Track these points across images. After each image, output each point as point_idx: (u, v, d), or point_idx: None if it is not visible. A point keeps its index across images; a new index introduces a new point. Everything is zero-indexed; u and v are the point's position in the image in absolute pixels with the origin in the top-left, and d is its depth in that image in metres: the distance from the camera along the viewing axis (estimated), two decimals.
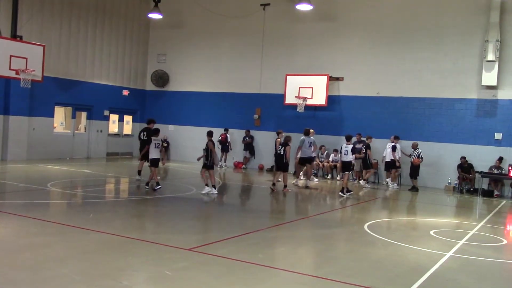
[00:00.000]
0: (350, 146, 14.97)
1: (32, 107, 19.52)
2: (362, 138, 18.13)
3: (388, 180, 17.89)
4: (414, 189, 17.02)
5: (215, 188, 13.32)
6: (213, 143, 13.36)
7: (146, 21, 24.40)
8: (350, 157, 14.96)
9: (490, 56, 17.11)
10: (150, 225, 9.50)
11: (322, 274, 6.67)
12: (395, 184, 17.82)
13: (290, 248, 8.25)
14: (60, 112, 21.76)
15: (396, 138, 17.69)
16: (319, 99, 19.80)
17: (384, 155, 18.01)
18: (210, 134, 13.44)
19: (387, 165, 17.93)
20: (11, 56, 16.19)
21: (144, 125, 16.88)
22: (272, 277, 6.45)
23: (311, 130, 17.46)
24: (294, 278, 6.46)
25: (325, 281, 6.35)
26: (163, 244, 7.62)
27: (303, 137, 16.54)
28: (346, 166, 15.16)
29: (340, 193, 14.82)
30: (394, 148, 17.56)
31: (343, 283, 6.22)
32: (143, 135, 15.06)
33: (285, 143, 15.06)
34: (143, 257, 6.93)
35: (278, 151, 15.24)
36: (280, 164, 15.14)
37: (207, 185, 13.28)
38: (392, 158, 17.62)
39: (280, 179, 15.63)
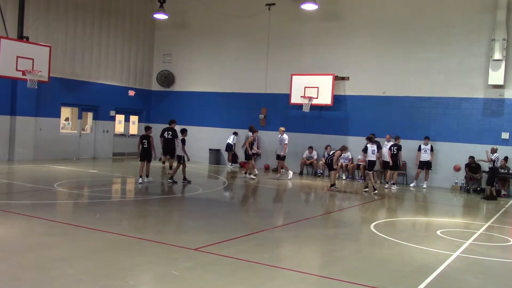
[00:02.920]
0: (375, 146, 16.03)
1: (38, 107, 19.61)
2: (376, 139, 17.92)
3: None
4: (491, 197, 15.82)
5: (140, 177, 14.36)
6: (149, 138, 14.45)
7: (151, 21, 24.45)
8: (375, 157, 16.02)
9: (497, 55, 17.00)
10: (156, 225, 9.50)
11: (328, 274, 6.66)
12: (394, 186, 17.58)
13: (296, 248, 8.24)
14: (66, 113, 21.85)
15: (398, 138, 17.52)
16: (325, 98, 19.77)
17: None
18: (148, 128, 14.72)
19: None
20: (17, 57, 16.25)
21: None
22: (278, 277, 6.44)
23: (281, 128, 18.40)
24: (300, 278, 6.45)
25: (331, 281, 6.34)
26: (169, 244, 7.63)
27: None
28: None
29: (373, 192, 15.50)
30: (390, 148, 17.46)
31: (349, 283, 6.20)
32: (168, 134, 16.17)
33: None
34: (150, 257, 6.94)
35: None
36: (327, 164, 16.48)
37: (146, 176, 14.48)
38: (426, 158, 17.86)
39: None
